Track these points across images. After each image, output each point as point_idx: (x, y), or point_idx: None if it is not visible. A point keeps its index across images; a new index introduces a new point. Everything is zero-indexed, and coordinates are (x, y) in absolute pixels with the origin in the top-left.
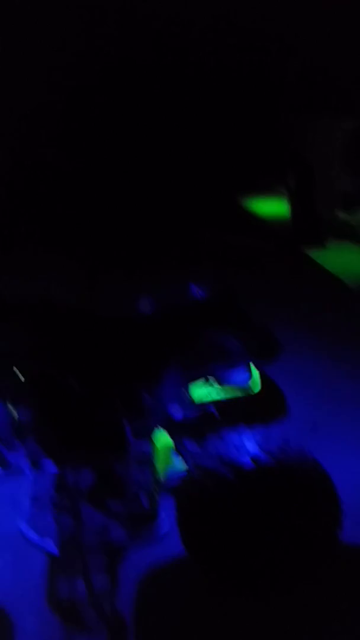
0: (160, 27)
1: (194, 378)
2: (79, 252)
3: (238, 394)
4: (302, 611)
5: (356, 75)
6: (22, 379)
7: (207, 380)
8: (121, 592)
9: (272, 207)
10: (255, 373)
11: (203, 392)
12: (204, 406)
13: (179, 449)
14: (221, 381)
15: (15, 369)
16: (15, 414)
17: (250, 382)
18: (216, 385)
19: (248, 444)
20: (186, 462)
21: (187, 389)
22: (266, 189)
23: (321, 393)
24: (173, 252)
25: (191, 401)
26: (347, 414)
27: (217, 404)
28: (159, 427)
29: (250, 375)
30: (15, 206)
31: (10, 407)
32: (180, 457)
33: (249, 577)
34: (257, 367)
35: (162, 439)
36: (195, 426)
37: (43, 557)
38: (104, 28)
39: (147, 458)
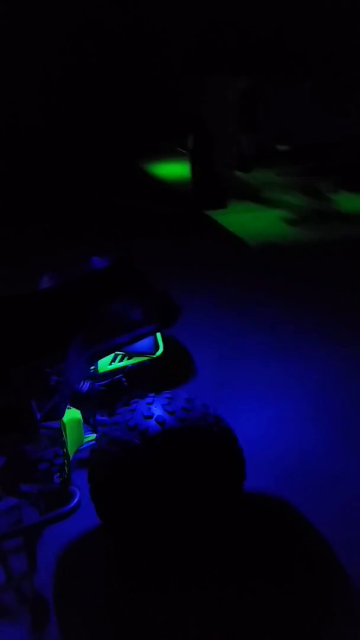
0: None
1: (100, 351)
2: None
3: (142, 359)
4: (215, 569)
5: (248, 37)
6: None
7: (111, 352)
8: (40, 573)
9: (172, 170)
10: (158, 337)
11: (107, 360)
12: (110, 375)
13: (89, 421)
14: (126, 349)
15: None
16: None
17: (153, 347)
18: (120, 353)
19: (152, 408)
20: (96, 433)
21: (93, 362)
22: (166, 152)
23: (227, 352)
24: (71, 221)
25: (97, 372)
26: (251, 369)
27: (122, 371)
28: (68, 405)
29: (153, 341)
30: None
31: None
32: (93, 428)
33: (163, 539)
34: (160, 332)
35: (71, 413)
36: (105, 397)
37: None
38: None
39: (56, 435)
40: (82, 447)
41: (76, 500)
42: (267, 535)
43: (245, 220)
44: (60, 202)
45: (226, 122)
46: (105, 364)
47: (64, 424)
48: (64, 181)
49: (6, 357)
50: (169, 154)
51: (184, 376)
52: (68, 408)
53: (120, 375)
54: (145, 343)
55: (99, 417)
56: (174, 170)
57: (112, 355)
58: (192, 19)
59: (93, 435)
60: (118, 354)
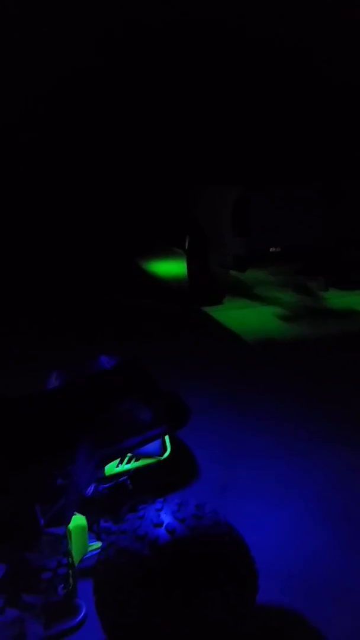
0: None
1: (111, 454)
2: None
3: (149, 461)
4: None
5: (239, 151)
6: None
7: (122, 456)
8: None
9: (168, 268)
10: (166, 438)
11: (114, 462)
12: (116, 478)
13: (94, 527)
14: (133, 451)
15: None
16: None
17: (160, 449)
18: (128, 455)
19: (162, 515)
20: (102, 539)
21: (103, 465)
22: (164, 252)
23: (229, 450)
24: (78, 321)
25: (103, 474)
26: (255, 469)
27: (128, 473)
28: (74, 511)
29: (161, 442)
30: None
31: None
32: (96, 536)
33: None
34: (170, 433)
35: (76, 519)
36: (109, 501)
37: None
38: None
39: (60, 543)
40: (86, 556)
41: (82, 614)
42: None
43: (241, 317)
44: (61, 300)
45: (220, 226)
46: (112, 466)
47: (69, 531)
48: (65, 279)
49: (8, 462)
50: (165, 252)
51: (187, 478)
52: (74, 514)
53: (125, 477)
54: (153, 444)
55: (103, 524)
56: (171, 268)
57: (117, 458)
58: (187, 137)
59: (98, 544)
60: (126, 456)
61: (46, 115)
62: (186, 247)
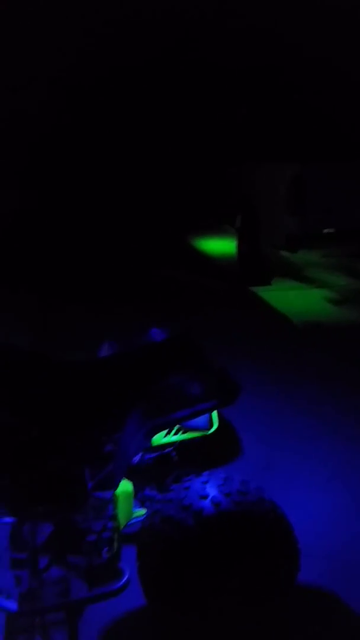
0: None
1: (161, 424)
2: (35, 293)
3: (195, 435)
4: None
5: (297, 128)
6: None
7: (170, 427)
8: None
9: (218, 246)
10: (214, 414)
11: (161, 434)
12: (161, 448)
13: (138, 495)
14: (181, 424)
15: None
16: None
17: (208, 423)
18: (175, 427)
19: (208, 487)
20: (147, 507)
21: (153, 434)
22: (214, 230)
23: (274, 430)
24: (130, 294)
25: (150, 444)
26: (298, 451)
27: (173, 445)
28: (122, 477)
29: (208, 417)
30: None
31: None
32: (140, 503)
33: (211, 623)
34: (219, 409)
35: (123, 485)
36: (154, 470)
37: (0, 615)
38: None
39: (106, 507)
40: (130, 522)
41: (125, 578)
42: (314, 632)
43: (290, 298)
44: (113, 275)
45: (274, 204)
46: (159, 437)
47: (116, 496)
48: (117, 254)
49: (64, 420)
50: (216, 231)
51: (230, 455)
52: (121, 480)
53: (171, 449)
54: (200, 419)
55: (147, 492)
56: (221, 246)
57: (167, 429)
58: (247, 109)
59: (142, 511)
60: (173, 428)
61: (93, 92)
62: (238, 225)
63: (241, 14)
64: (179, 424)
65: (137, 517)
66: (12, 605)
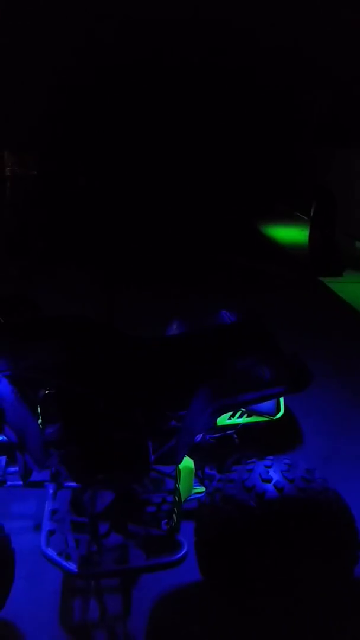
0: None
1: (229, 405)
2: (101, 272)
3: (261, 419)
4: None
5: None
6: (51, 392)
7: (237, 409)
8: (135, 616)
9: (288, 234)
10: (281, 399)
11: (226, 415)
12: (225, 430)
13: (199, 473)
14: (248, 407)
15: (45, 385)
16: (42, 429)
17: (274, 409)
18: (242, 409)
19: (271, 472)
20: (207, 486)
21: (220, 414)
22: (287, 217)
23: (336, 423)
24: (198, 280)
25: (215, 424)
26: (358, 449)
27: (236, 427)
28: (185, 454)
29: (275, 402)
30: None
31: (38, 423)
32: (200, 481)
33: (265, 605)
34: (288, 394)
35: (185, 461)
36: (216, 450)
37: (59, 575)
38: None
39: (167, 481)
40: (190, 498)
41: (184, 551)
42: None
43: None
44: (183, 258)
45: (351, 192)
46: (224, 417)
47: (179, 471)
48: (187, 238)
49: (131, 394)
50: (286, 218)
51: (293, 443)
52: (184, 456)
53: (233, 431)
54: (267, 403)
55: (208, 471)
56: (291, 234)
57: (233, 410)
58: (324, 94)
59: (201, 488)
60: (239, 410)
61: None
62: (311, 213)
63: None
64: (245, 407)
65: (197, 493)
66: (72, 566)
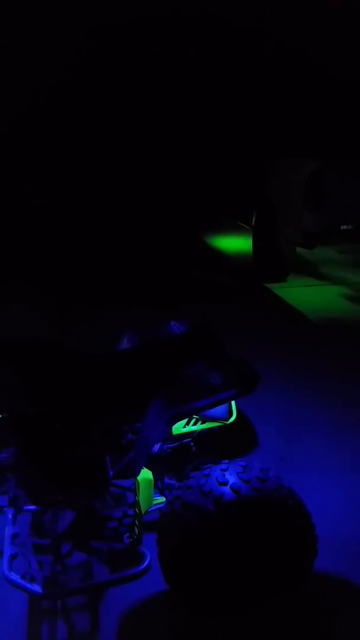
0: None
1: (181, 413)
2: (49, 286)
3: (215, 425)
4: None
5: (317, 121)
6: (4, 417)
7: (191, 415)
8: (104, 632)
9: (232, 243)
10: (232, 404)
11: (181, 423)
12: (180, 438)
13: (158, 484)
14: (201, 414)
15: None
16: None
17: (227, 413)
18: (195, 417)
19: (227, 475)
20: (166, 495)
21: (174, 423)
22: (230, 227)
23: (289, 423)
24: (144, 290)
25: (171, 434)
26: (313, 444)
27: (192, 435)
28: (142, 465)
29: (228, 407)
30: None
31: None
32: (160, 491)
33: (230, 606)
34: (239, 398)
35: (144, 473)
36: (173, 460)
37: (24, 597)
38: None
39: (127, 494)
40: (150, 509)
41: (146, 562)
42: (330, 617)
43: (305, 295)
44: (128, 270)
45: (291, 200)
46: (179, 426)
47: (137, 483)
48: (132, 250)
49: (86, 410)
50: (229, 228)
51: (247, 446)
52: (142, 468)
53: (189, 439)
54: (220, 409)
55: (167, 481)
56: (235, 243)
57: (187, 418)
58: (264, 104)
59: (161, 498)
60: (193, 418)
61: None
62: (253, 222)
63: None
64: (198, 414)
65: (157, 504)
66: (36, 588)
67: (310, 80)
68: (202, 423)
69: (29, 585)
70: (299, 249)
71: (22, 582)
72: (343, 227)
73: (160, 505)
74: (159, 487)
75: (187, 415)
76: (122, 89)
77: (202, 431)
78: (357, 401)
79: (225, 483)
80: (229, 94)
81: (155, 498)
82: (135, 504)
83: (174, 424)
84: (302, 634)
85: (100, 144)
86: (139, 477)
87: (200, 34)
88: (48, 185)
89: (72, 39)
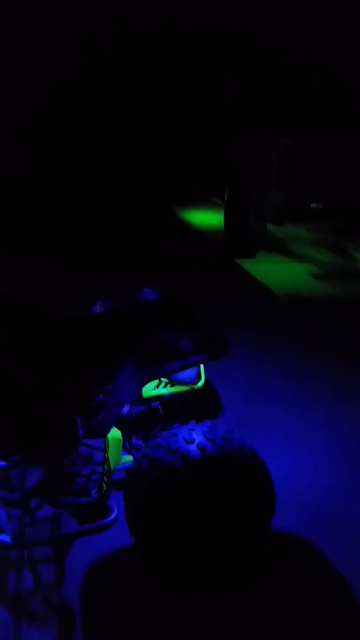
0: None
1: (152, 375)
2: (21, 251)
3: (183, 389)
4: (240, 593)
5: (292, 97)
6: None
7: (160, 379)
8: (69, 584)
9: (204, 218)
10: (201, 369)
11: (151, 386)
12: (148, 401)
13: (126, 444)
14: (171, 378)
15: None
16: None
17: (195, 378)
18: (164, 380)
19: (194, 434)
20: (134, 454)
21: (144, 384)
22: (201, 202)
23: (254, 392)
24: (116, 262)
25: (141, 396)
26: (276, 411)
27: (161, 399)
28: (112, 425)
29: (196, 372)
30: None
31: None
32: (127, 451)
33: (192, 561)
34: (208, 363)
35: (113, 432)
36: (142, 421)
37: None
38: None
39: (97, 452)
40: (118, 467)
41: (113, 515)
42: (287, 571)
43: (273, 271)
44: (101, 241)
45: (264, 177)
46: (149, 389)
47: (107, 441)
48: (105, 222)
49: (58, 370)
50: (203, 202)
51: (213, 411)
52: (112, 428)
53: (157, 403)
54: (189, 373)
55: (135, 441)
56: (208, 218)
57: (156, 381)
58: (238, 79)
59: (129, 457)
60: (162, 381)
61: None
62: (225, 197)
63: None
64: (168, 376)
65: (125, 462)
66: (5, 538)
67: (286, 58)
68: (171, 386)
69: None
70: (269, 226)
71: None
72: (313, 205)
73: (128, 464)
74: (126, 447)
75: (157, 376)
76: (96, 59)
77: (171, 395)
78: (319, 373)
79: (192, 441)
80: (205, 69)
81: (123, 457)
82: (105, 461)
83: (143, 385)
84: (259, 593)
85: (76, 113)
86: (109, 435)
87: (177, 9)
88: (25, 151)
89: None
